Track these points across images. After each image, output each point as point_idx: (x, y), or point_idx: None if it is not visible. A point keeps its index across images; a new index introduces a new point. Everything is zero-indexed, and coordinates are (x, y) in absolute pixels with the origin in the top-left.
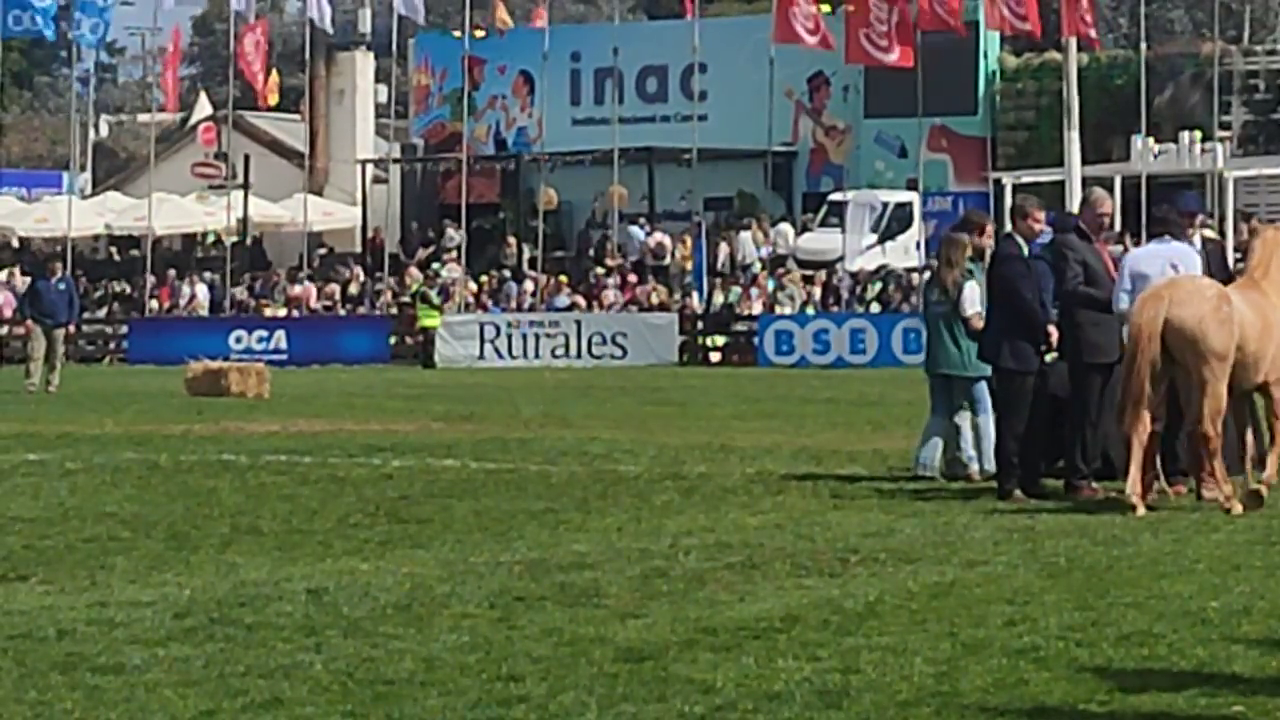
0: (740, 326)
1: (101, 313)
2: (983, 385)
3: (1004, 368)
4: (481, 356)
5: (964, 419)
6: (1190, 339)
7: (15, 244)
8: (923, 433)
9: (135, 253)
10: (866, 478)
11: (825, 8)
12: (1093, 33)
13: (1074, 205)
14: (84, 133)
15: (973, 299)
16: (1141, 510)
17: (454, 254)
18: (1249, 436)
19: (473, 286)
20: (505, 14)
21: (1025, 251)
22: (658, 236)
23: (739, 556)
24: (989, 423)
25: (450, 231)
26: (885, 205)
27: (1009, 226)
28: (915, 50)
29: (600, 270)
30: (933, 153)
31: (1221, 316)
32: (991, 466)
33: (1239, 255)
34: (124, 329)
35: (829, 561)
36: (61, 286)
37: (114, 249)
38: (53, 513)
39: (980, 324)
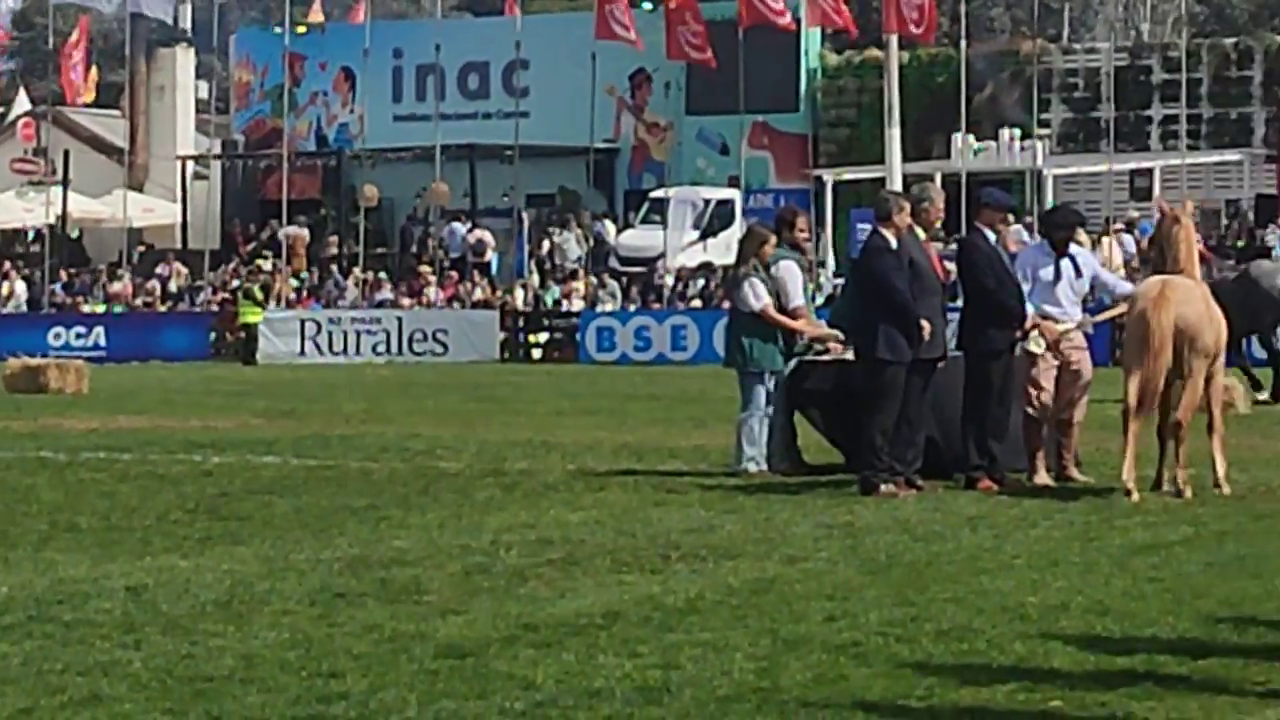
0: (561, 323)
1: None
2: (757, 385)
3: (878, 358)
4: (302, 353)
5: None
6: (1191, 337)
7: None
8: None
9: None
10: (688, 474)
11: (647, 5)
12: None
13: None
14: None
15: (756, 293)
16: (1136, 497)
17: (277, 250)
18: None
19: (293, 283)
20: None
21: (895, 245)
22: (479, 233)
23: (560, 553)
24: (754, 422)
25: (289, 229)
26: (707, 202)
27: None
28: (714, 51)
29: (424, 268)
30: (754, 150)
31: (1212, 314)
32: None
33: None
34: None
35: (650, 558)
36: None
37: None
38: None
39: (774, 315)
